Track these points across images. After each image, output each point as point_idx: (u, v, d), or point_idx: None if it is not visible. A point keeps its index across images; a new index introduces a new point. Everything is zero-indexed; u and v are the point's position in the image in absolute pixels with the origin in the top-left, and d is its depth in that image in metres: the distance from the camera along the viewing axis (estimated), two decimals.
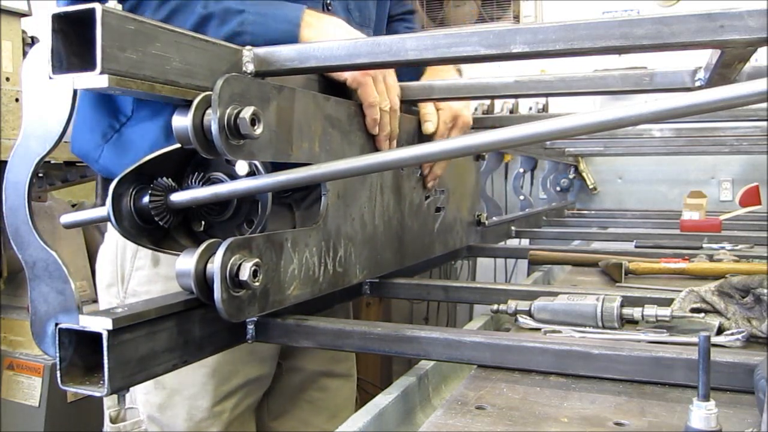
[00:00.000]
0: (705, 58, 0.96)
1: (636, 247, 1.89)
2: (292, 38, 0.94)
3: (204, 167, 0.81)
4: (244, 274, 0.71)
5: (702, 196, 2.62)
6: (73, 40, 0.62)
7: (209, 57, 0.75)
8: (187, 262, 0.72)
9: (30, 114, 0.65)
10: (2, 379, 2.38)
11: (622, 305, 0.97)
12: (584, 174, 3.73)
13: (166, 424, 1.11)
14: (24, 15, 2.44)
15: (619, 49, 0.70)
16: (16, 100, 2.40)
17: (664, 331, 0.96)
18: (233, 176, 0.80)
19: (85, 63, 0.61)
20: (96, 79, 0.60)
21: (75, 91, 0.63)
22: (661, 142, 2.71)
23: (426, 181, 1.28)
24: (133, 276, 1.10)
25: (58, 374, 0.66)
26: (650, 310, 0.95)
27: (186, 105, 0.69)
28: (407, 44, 0.77)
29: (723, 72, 0.91)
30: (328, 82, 0.99)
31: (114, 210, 0.74)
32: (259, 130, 0.70)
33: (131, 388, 0.74)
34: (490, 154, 2.31)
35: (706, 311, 0.99)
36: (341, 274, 0.95)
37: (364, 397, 3.41)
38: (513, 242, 2.40)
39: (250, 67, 0.80)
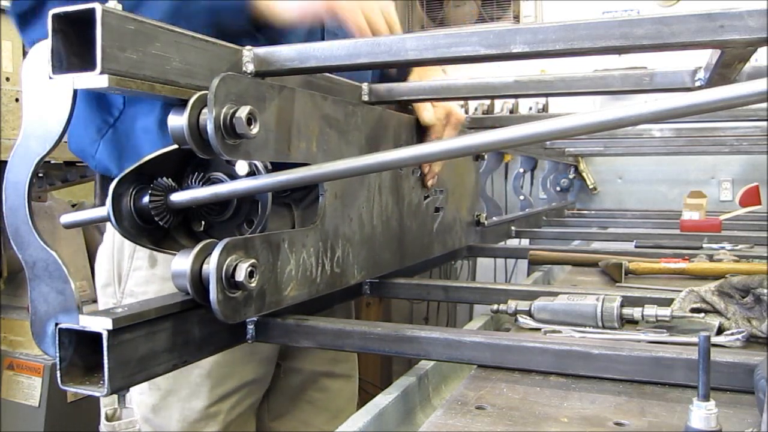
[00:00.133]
0: (705, 58, 0.96)
1: (636, 247, 1.89)
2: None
3: (204, 167, 0.81)
4: (240, 275, 0.71)
5: (702, 196, 2.62)
6: (73, 40, 0.62)
7: (209, 57, 0.75)
8: (182, 262, 0.72)
9: (30, 114, 0.65)
10: (2, 379, 2.38)
11: (622, 305, 0.97)
12: (584, 174, 3.73)
13: (159, 424, 1.10)
14: None
15: (619, 49, 0.70)
16: (16, 100, 2.40)
17: (664, 331, 0.96)
18: (233, 176, 0.80)
19: (85, 63, 0.61)
20: (96, 79, 0.60)
21: (75, 91, 0.63)
22: (661, 142, 2.71)
23: (425, 179, 1.28)
24: (131, 276, 1.10)
25: (58, 374, 0.66)
26: (650, 310, 0.95)
27: (182, 104, 0.69)
28: (407, 44, 0.77)
29: (723, 72, 0.91)
30: None
31: (114, 210, 0.74)
32: (255, 129, 0.70)
33: None
34: (490, 154, 2.31)
35: (706, 311, 1.00)
36: (339, 274, 0.95)
37: (364, 397, 3.40)
38: (513, 242, 2.41)
39: (250, 67, 0.80)
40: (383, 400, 0.79)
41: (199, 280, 0.72)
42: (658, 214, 2.97)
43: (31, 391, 2.32)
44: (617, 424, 0.68)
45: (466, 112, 3.21)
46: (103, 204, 1.09)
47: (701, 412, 0.56)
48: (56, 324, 0.66)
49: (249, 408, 1.19)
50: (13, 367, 2.38)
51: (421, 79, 1.28)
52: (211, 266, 0.70)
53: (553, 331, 0.97)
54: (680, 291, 1.05)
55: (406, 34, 0.84)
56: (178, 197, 0.76)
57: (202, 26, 0.79)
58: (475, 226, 1.70)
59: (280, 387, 1.29)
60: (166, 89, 0.68)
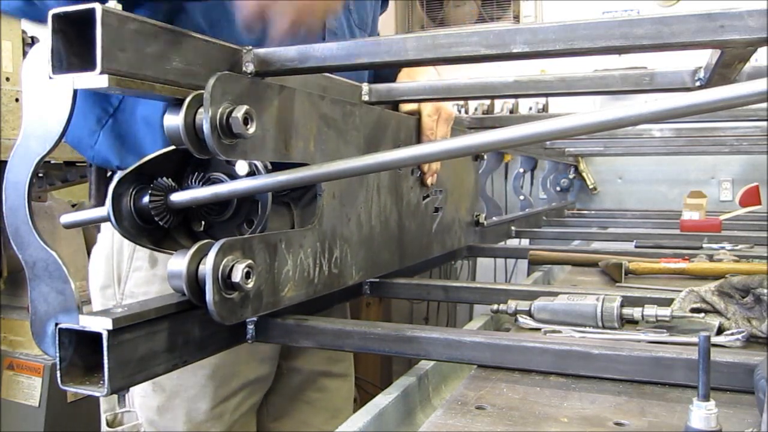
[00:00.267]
0: (705, 58, 0.96)
1: (636, 247, 1.89)
2: None
3: (204, 167, 0.81)
4: (237, 276, 0.70)
5: (702, 196, 2.62)
6: (73, 40, 0.62)
7: (209, 57, 0.75)
8: (178, 263, 0.72)
9: (30, 114, 0.65)
10: (2, 379, 2.38)
11: (622, 305, 0.97)
12: (584, 174, 3.74)
13: (164, 426, 1.10)
14: None
15: (619, 49, 0.70)
16: (16, 100, 2.40)
17: (664, 331, 0.96)
18: (233, 176, 0.80)
19: (85, 63, 0.61)
20: (96, 79, 0.60)
21: (75, 91, 0.63)
22: (661, 142, 2.71)
23: (424, 178, 1.28)
24: (131, 277, 1.09)
25: (58, 374, 0.66)
26: (650, 310, 0.95)
27: (178, 104, 0.69)
28: (407, 44, 0.77)
29: (723, 72, 0.91)
30: None
31: (114, 210, 0.74)
32: (251, 129, 0.70)
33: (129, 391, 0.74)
34: (490, 154, 2.31)
35: (706, 311, 0.99)
36: (337, 275, 0.95)
37: (364, 397, 3.41)
38: (513, 242, 2.41)
39: (250, 67, 0.80)
40: (383, 400, 0.79)
41: (195, 281, 0.72)
42: (658, 214, 2.97)
43: (31, 391, 2.32)
44: (617, 424, 0.68)
45: (466, 112, 3.22)
46: (98, 203, 1.09)
47: (701, 412, 0.56)
48: (56, 324, 0.66)
49: (251, 408, 1.20)
50: (13, 367, 2.38)
51: (410, 77, 1.29)
52: (207, 267, 0.70)
53: (553, 331, 0.97)
54: (680, 291, 1.05)
55: (406, 34, 0.84)
56: (178, 197, 0.76)
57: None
58: (474, 226, 1.70)
59: (279, 387, 1.29)
60: (166, 89, 0.68)
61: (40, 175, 2.46)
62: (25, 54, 2.40)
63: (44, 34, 0.62)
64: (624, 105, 0.62)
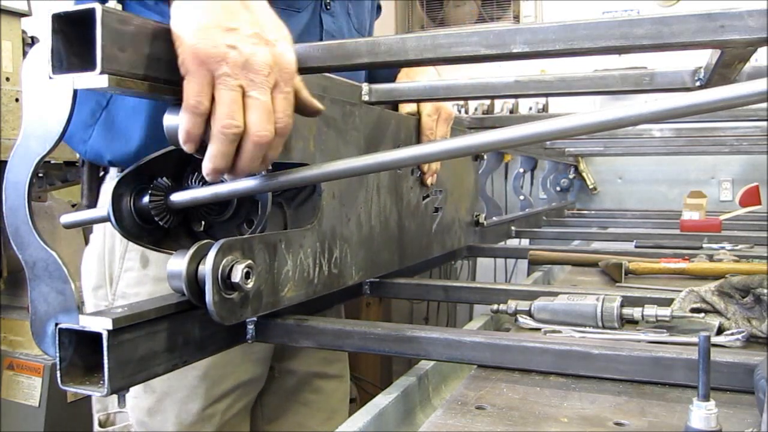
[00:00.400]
0: (705, 58, 0.96)
1: (636, 247, 1.89)
2: None
3: None
4: (236, 276, 0.70)
5: (702, 196, 2.62)
6: (73, 40, 0.62)
7: None
8: (178, 263, 0.71)
9: (30, 114, 0.65)
10: (2, 379, 2.38)
11: (622, 305, 0.97)
12: (584, 174, 3.74)
13: (154, 427, 1.09)
14: (24, 15, 2.44)
15: (619, 49, 0.70)
16: (16, 100, 2.40)
17: (664, 331, 0.96)
18: (235, 175, 0.80)
19: (85, 63, 0.61)
20: (96, 79, 0.60)
21: (75, 91, 0.63)
22: (661, 142, 2.71)
23: (424, 178, 1.28)
24: (122, 278, 1.07)
25: (58, 374, 0.65)
26: (650, 310, 0.95)
27: (177, 103, 0.69)
28: (407, 44, 0.77)
29: (723, 72, 0.91)
30: None
31: (114, 210, 0.74)
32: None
33: None
34: (490, 154, 2.31)
35: (706, 311, 0.99)
36: (337, 275, 0.95)
37: (364, 397, 3.40)
38: (513, 242, 2.41)
39: None
40: (383, 400, 0.79)
41: (195, 282, 0.72)
42: (658, 214, 2.97)
43: (31, 391, 2.32)
44: (617, 424, 0.68)
45: (466, 112, 3.21)
46: (91, 202, 1.09)
47: (701, 412, 0.56)
48: (56, 324, 0.66)
49: (243, 409, 1.19)
50: (13, 367, 2.38)
51: (410, 78, 1.29)
52: (206, 267, 0.70)
53: (553, 331, 0.97)
54: (680, 291, 1.05)
55: (406, 34, 0.84)
56: (178, 197, 0.76)
57: None
58: (474, 226, 1.70)
59: (274, 389, 1.28)
60: (166, 89, 0.68)
61: (40, 175, 2.46)
62: (25, 54, 2.40)
63: (44, 33, 0.62)
64: (624, 105, 0.62)
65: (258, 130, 0.66)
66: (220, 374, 1.10)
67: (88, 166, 1.10)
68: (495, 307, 1.06)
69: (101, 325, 0.64)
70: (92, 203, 1.10)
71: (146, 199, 0.75)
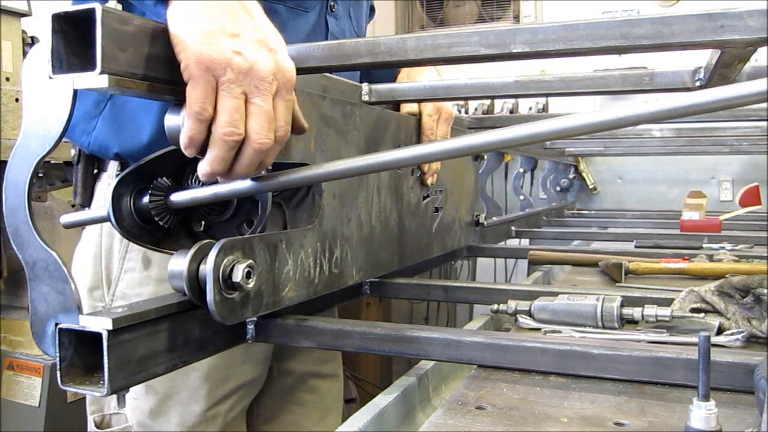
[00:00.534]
0: (705, 58, 0.96)
1: (636, 247, 1.89)
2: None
3: None
4: (237, 276, 0.71)
5: (702, 196, 2.62)
6: (73, 40, 0.62)
7: None
8: (179, 263, 0.72)
9: (30, 114, 0.65)
10: (2, 379, 2.38)
11: (622, 305, 0.97)
12: (584, 174, 3.74)
13: (156, 429, 1.08)
14: (24, 15, 2.44)
15: (619, 49, 0.70)
16: (16, 100, 2.40)
17: (664, 331, 0.96)
18: (233, 178, 0.80)
19: (85, 63, 0.61)
20: (96, 79, 0.60)
21: (75, 91, 0.63)
22: (661, 142, 2.71)
23: (424, 178, 1.28)
24: (122, 278, 1.06)
25: (58, 374, 0.65)
26: (650, 310, 0.95)
27: (178, 103, 0.69)
28: (407, 44, 0.77)
29: (723, 72, 0.91)
30: None
31: (114, 210, 0.74)
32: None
33: None
34: (490, 154, 2.31)
35: (706, 311, 1.00)
36: (337, 275, 0.95)
37: (364, 397, 3.39)
38: (513, 242, 2.41)
39: None
40: (383, 400, 0.79)
41: (196, 281, 0.72)
42: (658, 214, 2.97)
43: (31, 391, 2.32)
44: (617, 424, 0.68)
45: (466, 112, 3.21)
46: (84, 201, 1.08)
47: (701, 412, 0.56)
48: (56, 324, 0.66)
49: (242, 410, 1.18)
50: (13, 367, 2.38)
51: (410, 78, 1.29)
52: (207, 267, 0.70)
53: (553, 331, 0.97)
54: (680, 291, 1.05)
55: (406, 34, 0.84)
56: (178, 197, 0.76)
57: None
58: (474, 226, 1.70)
59: (270, 389, 1.27)
60: (166, 90, 0.68)
61: (40, 175, 2.46)
62: (25, 54, 2.40)
63: (44, 34, 0.62)
64: (624, 105, 0.62)
65: (259, 138, 0.67)
66: (222, 375, 1.10)
67: (83, 165, 1.07)
68: (495, 307, 1.06)
69: (101, 325, 0.64)
70: (86, 202, 1.08)
71: (146, 199, 0.75)
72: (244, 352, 1.11)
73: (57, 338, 0.65)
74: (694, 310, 0.99)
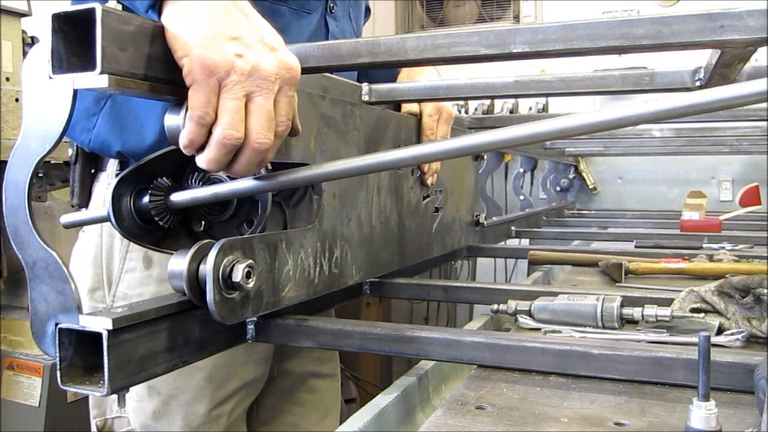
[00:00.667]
0: (705, 58, 0.96)
1: (636, 247, 1.89)
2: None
3: None
4: (237, 276, 0.71)
5: (702, 196, 2.62)
6: (73, 40, 0.62)
7: None
8: (179, 263, 0.72)
9: (30, 114, 0.65)
10: (2, 379, 2.38)
11: (622, 305, 0.97)
12: (584, 174, 3.74)
13: (161, 431, 1.07)
14: (24, 15, 2.44)
15: (619, 49, 0.70)
16: (16, 100, 2.40)
17: (664, 331, 0.96)
18: (232, 176, 0.80)
19: (85, 63, 0.61)
20: (96, 79, 0.60)
21: (75, 91, 0.63)
22: (661, 142, 2.71)
23: (424, 178, 1.28)
24: (123, 279, 1.05)
25: (58, 374, 0.65)
26: (650, 310, 0.95)
27: (178, 103, 0.69)
28: (407, 44, 0.77)
29: (723, 72, 0.91)
30: None
31: (114, 210, 0.74)
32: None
33: None
34: (490, 154, 2.31)
35: (706, 311, 1.00)
36: (337, 275, 0.95)
37: (364, 397, 3.39)
38: (513, 242, 2.41)
39: None
40: (383, 400, 0.79)
41: (195, 281, 0.72)
42: (658, 214, 2.97)
43: (31, 391, 2.32)
44: (617, 424, 0.68)
45: (466, 112, 3.22)
46: (82, 201, 1.08)
47: (701, 412, 0.56)
48: (56, 324, 0.66)
49: (244, 410, 1.18)
50: (13, 367, 2.38)
51: (410, 78, 1.29)
52: (207, 267, 0.70)
53: (553, 331, 0.97)
54: (680, 291, 1.05)
55: (406, 34, 0.84)
56: (178, 197, 0.76)
57: None
58: (474, 226, 1.70)
59: (271, 390, 1.27)
60: (167, 89, 0.68)
61: (40, 175, 2.46)
62: (25, 54, 2.40)
63: (44, 34, 0.62)
64: (624, 105, 0.62)
65: (258, 137, 0.67)
66: (225, 375, 1.09)
67: (81, 165, 1.06)
68: (495, 307, 1.06)
69: (101, 325, 0.64)
70: (84, 203, 1.08)
71: (146, 199, 0.75)
72: (246, 352, 1.11)
73: (57, 338, 0.65)
74: (694, 310, 0.99)
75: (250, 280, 0.73)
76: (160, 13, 0.68)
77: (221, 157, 0.67)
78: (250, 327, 0.88)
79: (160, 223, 0.76)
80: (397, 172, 1.17)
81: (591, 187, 3.76)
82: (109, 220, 0.74)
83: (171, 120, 0.69)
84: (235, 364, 1.11)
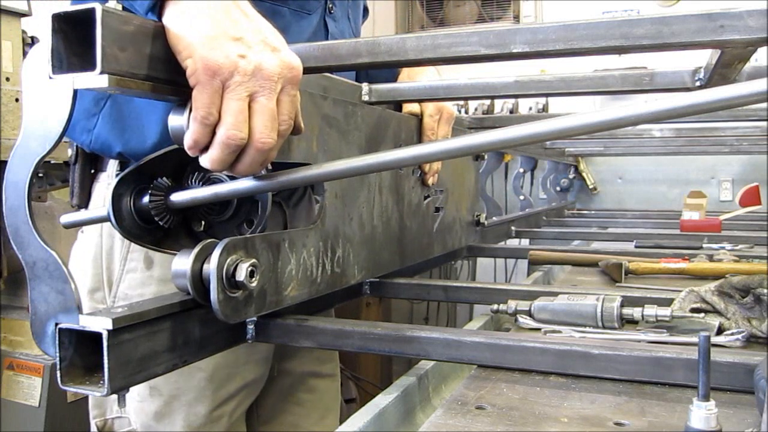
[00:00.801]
0: (705, 58, 0.96)
1: (636, 247, 1.89)
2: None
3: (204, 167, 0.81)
4: (241, 275, 0.71)
5: (702, 196, 2.62)
6: (73, 40, 0.62)
7: None
8: (183, 262, 0.72)
9: (30, 114, 0.65)
10: (2, 379, 2.38)
11: (622, 305, 0.97)
12: (584, 174, 3.74)
13: (162, 431, 1.07)
14: (24, 15, 2.44)
15: (619, 49, 0.70)
16: (16, 100, 2.40)
17: (664, 331, 0.96)
18: (233, 176, 0.80)
19: (85, 63, 0.61)
20: (96, 79, 0.60)
21: (75, 91, 0.63)
22: (661, 142, 2.71)
23: (425, 178, 1.28)
24: (124, 279, 1.05)
25: (58, 374, 0.65)
26: (650, 310, 0.95)
27: (182, 103, 0.69)
28: (407, 44, 0.77)
29: (723, 72, 0.91)
30: None
31: (114, 210, 0.74)
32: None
33: None
34: (490, 154, 2.31)
35: (706, 311, 1.00)
36: (339, 274, 0.95)
37: (364, 397, 3.39)
38: (513, 242, 2.41)
39: None
40: (383, 400, 0.79)
41: (199, 280, 0.72)
42: (658, 214, 2.97)
43: (31, 391, 2.32)
44: (617, 424, 0.68)
45: (466, 112, 3.22)
46: (82, 201, 1.07)
47: (701, 412, 0.56)
48: (56, 324, 0.66)
49: (245, 411, 1.18)
50: (13, 367, 2.38)
51: (410, 78, 1.29)
52: (211, 266, 0.70)
53: (553, 331, 0.97)
54: (680, 291, 1.05)
55: (406, 34, 0.84)
56: (178, 197, 0.77)
57: None
58: (474, 226, 1.70)
59: (271, 390, 1.27)
60: (166, 89, 0.68)
61: (40, 175, 2.46)
62: (25, 54, 2.40)
63: (44, 33, 0.62)
64: (624, 105, 0.62)
65: (261, 137, 0.67)
66: (226, 375, 1.09)
67: (80, 165, 1.06)
68: (495, 307, 1.06)
69: (101, 325, 0.64)
70: (84, 203, 1.08)
71: (146, 199, 0.75)
72: (247, 352, 1.11)
73: (57, 338, 0.65)
74: (694, 310, 0.99)
75: (254, 279, 0.73)
76: (160, 14, 0.68)
77: (225, 157, 0.67)
78: (250, 327, 0.88)
79: (160, 223, 0.76)
80: (398, 172, 1.17)
81: (591, 187, 3.76)
82: (109, 220, 0.74)
83: (175, 120, 0.69)
84: (236, 364, 1.11)
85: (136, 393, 1.05)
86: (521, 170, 3.03)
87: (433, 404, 0.89)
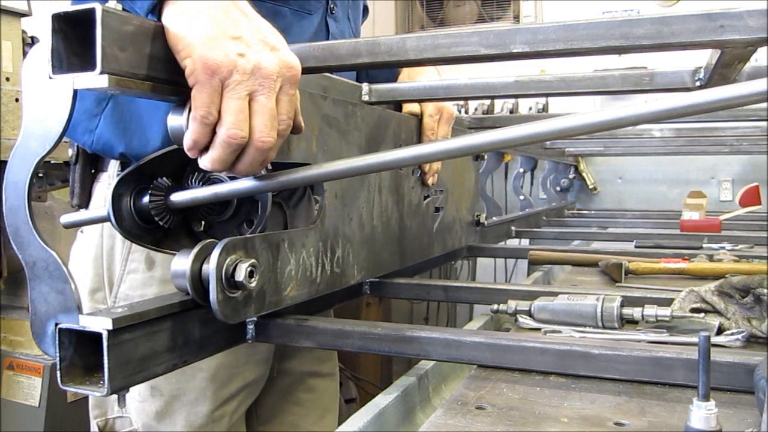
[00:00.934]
0: (705, 58, 0.96)
1: (636, 247, 1.89)
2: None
3: None
4: (240, 275, 0.71)
5: (702, 196, 2.62)
6: (73, 40, 0.62)
7: None
8: (182, 262, 0.72)
9: (30, 114, 0.65)
10: (2, 379, 2.38)
11: (622, 305, 0.97)
12: (584, 174, 3.74)
13: (163, 431, 1.07)
14: (24, 15, 2.44)
15: (619, 49, 0.70)
16: (16, 100, 2.40)
17: (664, 331, 0.96)
18: (233, 176, 0.80)
19: (85, 63, 0.61)
20: (96, 79, 0.60)
21: (75, 91, 0.63)
22: (661, 142, 2.72)
23: (425, 178, 1.28)
24: (125, 280, 1.05)
25: (58, 374, 0.66)
26: (650, 310, 0.95)
27: (181, 103, 0.69)
28: (407, 44, 0.77)
29: (723, 72, 0.91)
30: None
31: (114, 210, 0.74)
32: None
33: None
34: (490, 154, 2.31)
35: (706, 311, 1.00)
36: (339, 274, 0.95)
37: (364, 397, 3.39)
38: (513, 242, 2.41)
39: None
40: (383, 400, 0.79)
41: (198, 280, 0.72)
42: (658, 214, 2.97)
43: (31, 391, 2.32)
44: (617, 424, 0.68)
45: (466, 112, 3.22)
46: (82, 202, 1.07)
47: (701, 412, 0.56)
48: (56, 324, 0.66)
49: (245, 411, 1.18)
50: (13, 367, 2.38)
51: (410, 78, 1.29)
52: (210, 266, 0.70)
53: (553, 331, 0.97)
54: (680, 291, 1.05)
55: (406, 34, 0.84)
56: (178, 197, 0.77)
57: None
58: (474, 226, 1.70)
59: (270, 389, 1.27)
60: (167, 89, 0.68)
61: (40, 175, 2.46)
62: (25, 54, 2.40)
63: (44, 34, 0.62)
64: (624, 105, 0.62)
65: (261, 136, 0.67)
66: (227, 375, 1.09)
67: (81, 165, 1.06)
68: (495, 307, 1.06)
69: (101, 325, 0.64)
70: (84, 203, 1.08)
71: (146, 199, 0.75)
72: (248, 352, 1.11)
73: (57, 338, 0.65)
74: (694, 310, 0.99)
75: (253, 279, 0.73)
76: (160, 15, 0.68)
77: (226, 156, 0.67)
78: (250, 327, 0.88)
79: (160, 223, 0.76)
80: (398, 172, 1.17)
81: (591, 187, 3.77)
82: (109, 220, 0.74)
83: (174, 121, 0.69)
84: (237, 364, 1.11)
85: (137, 393, 1.05)
86: (521, 170, 3.03)
87: (433, 404, 0.89)
